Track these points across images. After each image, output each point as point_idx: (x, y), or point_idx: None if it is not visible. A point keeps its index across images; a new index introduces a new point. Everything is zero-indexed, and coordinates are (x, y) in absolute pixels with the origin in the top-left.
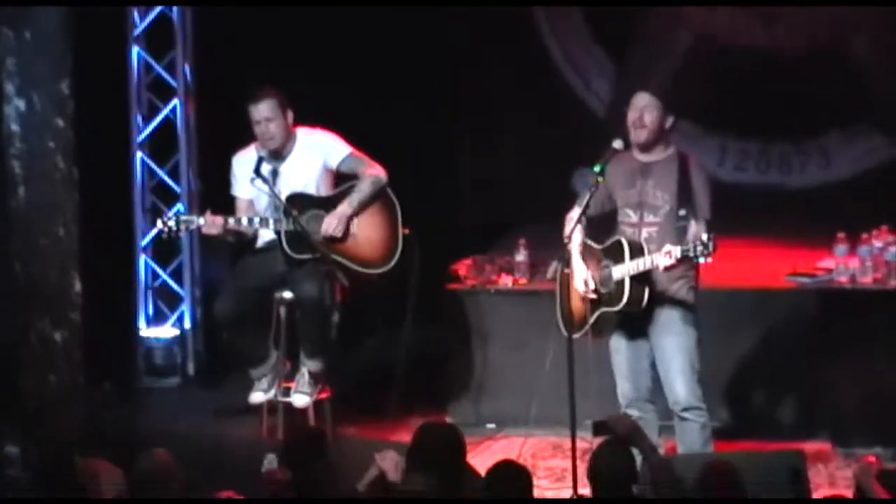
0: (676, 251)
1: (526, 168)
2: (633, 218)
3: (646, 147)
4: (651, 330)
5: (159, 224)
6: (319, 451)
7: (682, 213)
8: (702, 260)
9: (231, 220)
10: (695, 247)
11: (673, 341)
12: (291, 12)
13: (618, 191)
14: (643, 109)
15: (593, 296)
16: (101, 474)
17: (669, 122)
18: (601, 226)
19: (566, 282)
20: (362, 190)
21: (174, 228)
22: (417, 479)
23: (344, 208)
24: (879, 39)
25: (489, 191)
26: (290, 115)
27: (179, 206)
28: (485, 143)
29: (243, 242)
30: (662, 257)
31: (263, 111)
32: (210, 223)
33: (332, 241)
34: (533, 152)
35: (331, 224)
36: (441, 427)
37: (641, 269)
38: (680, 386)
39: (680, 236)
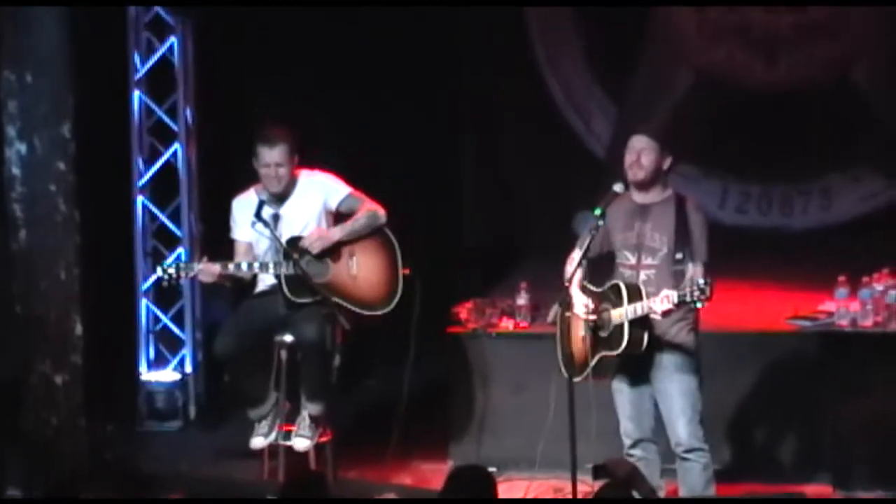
0: (673, 296)
1: (527, 210)
2: (631, 260)
3: (643, 186)
4: (652, 373)
5: (159, 272)
6: (319, 492)
7: (679, 256)
8: (699, 305)
9: (230, 267)
10: (691, 291)
11: (674, 384)
12: (291, 55)
13: (616, 233)
14: (640, 152)
15: (594, 317)
16: None
17: (667, 163)
18: (598, 267)
19: (567, 325)
20: (356, 220)
21: (174, 276)
22: None
23: (332, 231)
24: (881, 75)
25: (489, 232)
26: (297, 158)
27: (181, 251)
28: (484, 184)
29: (243, 286)
30: (659, 303)
31: (276, 156)
32: (206, 271)
33: (332, 282)
34: (534, 194)
35: (311, 237)
36: (475, 471)
37: (640, 313)
38: (682, 428)
39: (677, 280)
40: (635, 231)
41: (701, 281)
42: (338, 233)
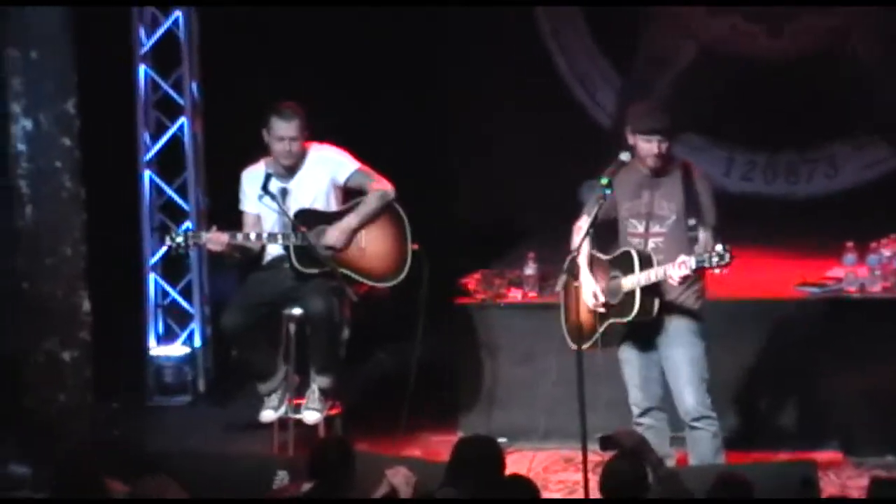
0: (691, 262)
1: (534, 180)
2: (640, 229)
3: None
4: (659, 340)
5: (167, 241)
6: (347, 459)
7: (692, 222)
8: (717, 271)
9: (239, 236)
10: (710, 257)
11: (682, 352)
12: (295, 27)
13: (623, 202)
14: (659, 143)
15: (602, 310)
16: (109, 492)
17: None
18: (603, 235)
19: (574, 293)
20: (369, 203)
21: (182, 245)
22: (451, 492)
23: (349, 220)
24: (883, 44)
25: (496, 203)
26: (307, 133)
27: (188, 224)
28: (491, 156)
29: (250, 258)
30: (676, 268)
31: (292, 130)
32: (214, 240)
33: (340, 255)
34: (540, 165)
35: (333, 235)
36: (482, 440)
37: (653, 279)
38: (689, 396)
39: (691, 246)
40: (644, 199)
41: (720, 246)
42: (354, 220)
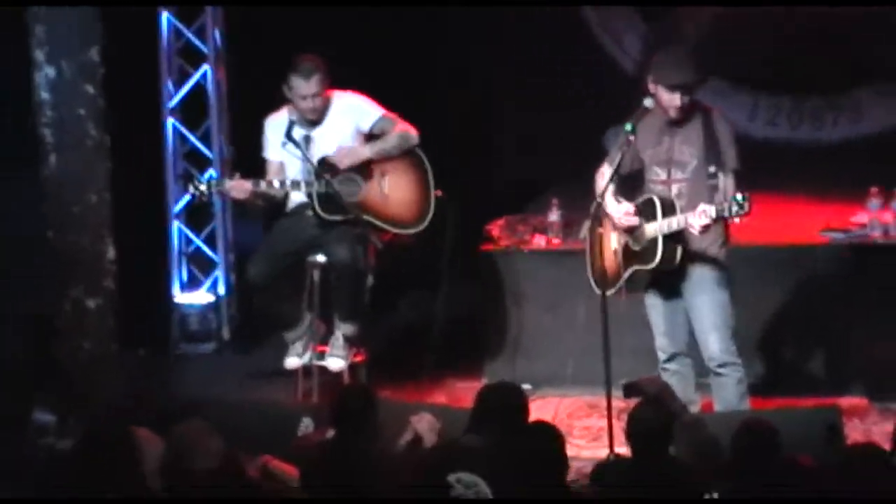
0: (711, 211)
1: (557, 127)
2: (662, 175)
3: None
4: (684, 287)
5: (190, 189)
6: (370, 407)
7: (712, 169)
8: (737, 220)
9: (262, 184)
10: (730, 206)
11: (706, 299)
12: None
13: (646, 149)
14: (682, 97)
15: (634, 221)
16: (142, 442)
17: (697, 91)
18: (628, 185)
19: (599, 239)
20: (387, 140)
21: (206, 193)
22: (480, 438)
23: (362, 149)
24: None
25: (521, 150)
26: (329, 82)
27: (211, 172)
28: (516, 102)
29: (274, 206)
30: (697, 217)
31: (313, 87)
32: (237, 188)
33: (363, 201)
34: (564, 111)
35: (340, 153)
36: (506, 387)
37: (675, 227)
38: (714, 342)
39: (711, 193)
40: (664, 146)
41: (739, 196)
42: (367, 150)
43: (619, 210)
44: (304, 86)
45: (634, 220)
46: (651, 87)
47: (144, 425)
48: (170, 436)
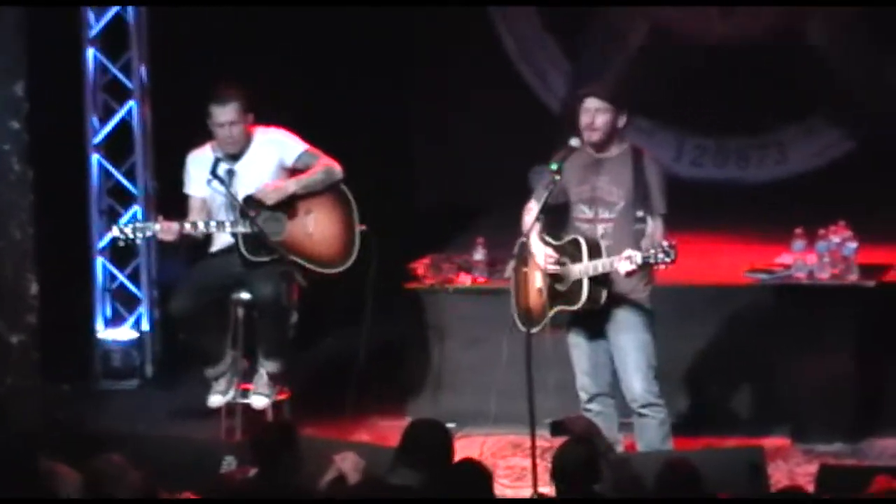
0: (637, 257)
1: (484, 165)
2: (588, 214)
3: (600, 147)
4: (608, 328)
5: (115, 232)
6: (289, 442)
7: (640, 214)
8: (663, 267)
9: (187, 225)
10: (656, 253)
11: (630, 338)
12: (244, 10)
13: (572, 186)
14: (595, 113)
15: (558, 268)
16: (58, 476)
17: (622, 121)
18: (553, 219)
19: (524, 277)
20: (312, 175)
21: (130, 237)
22: (407, 474)
23: (288, 183)
24: (835, 29)
25: (445, 188)
26: (251, 117)
27: (136, 209)
28: (440, 139)
29: (197, 243)
30: (623, 262)
31: (229, 114)
32: (165, 229)
33: (288, 240)
34: (490, 149)
35: (266, 188)
36: (432, 425)
37: (600, 270)
38: (637, 383)
39: (638, 237)
40: (590, 185)
41: (665, 243)
42: (293, 185)
43: (542, 253)
44: (220, 112)
45: (556, 268)
46: (576, 114)
47: (61, 457)
48: (87, 469)
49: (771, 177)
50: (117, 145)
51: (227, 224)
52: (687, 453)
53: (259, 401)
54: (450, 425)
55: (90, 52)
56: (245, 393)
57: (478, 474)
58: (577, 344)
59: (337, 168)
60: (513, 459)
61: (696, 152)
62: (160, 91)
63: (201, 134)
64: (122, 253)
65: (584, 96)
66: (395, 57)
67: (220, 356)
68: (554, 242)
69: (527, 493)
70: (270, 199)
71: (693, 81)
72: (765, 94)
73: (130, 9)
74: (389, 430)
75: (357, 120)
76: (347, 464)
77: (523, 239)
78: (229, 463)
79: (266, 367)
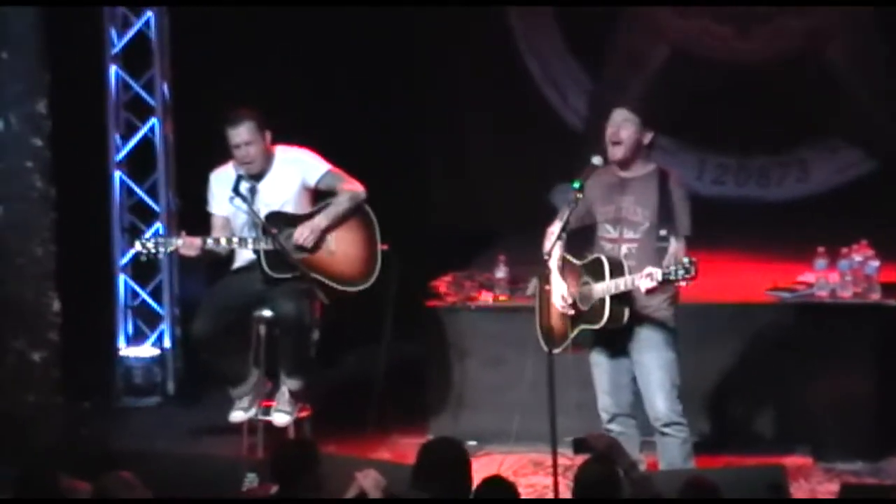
0: (657, 274)
1: (505, 183)
2: (613, 233)
3: (624, 164)
4: (631, 346)
5: (137, 246)
6: (310, 462)
7: (663, 233)
8: (683, 283)
9: (209, 241)
10: (676, 270)
11: (653, 357)
12: (268, 27)
13: (597, 206)
14: (620, 125)
15: (571, 311)
16: (78, 494)
17: (648, 138)
18: (580, 239)
19: (546, 297)
20: (339, 203)
21: (152, 251)
22: (424, 493)
23: (319, 220)
24: (855, 47)
25: (468, 206)
26: (269, 135)
27: (158, 226)
28: (464, 158)
29: (220, 261)
30: (644, 279)
31: (243, 135)
32: (188, 245)
33: (310, 259)
34: (512, 168)
35: (302, 233)
36: (448, 443)
37: (622, 289)
38: (660, 402)
39: (660, 255)
40: (615, 205)
41: (686, 259)
42: (324, 220)
43: (558, 290)
44: (233, 134)
45: (570, 311)
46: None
47: (82, 475)
48: (96, 485)
49: (792, 195)
50: (139, 162)
51: (250, 241)
52: (708, 471)
53: (281, 418)
54: (471, 443)
55: (112, 70)
56: (267, 410)
57: (506, 491)
58: (599, 363)
59: (360, 189)
60: (534, 478)
61: (717, 171)
62: (182, 108)
63: (223, 151)
64: (143, 270)
65: (609, 108)
66: (419, 76)
67: (244, 376)
68: (576, 262)
69: None
70: (310, 242)
71: (715, 101)
72: (786, 112)
73: (153, 26)
74: (410, 448)
75: (379, 138)
76: (369, 481)
77: (546, 259)
78: (251, 480)
79: (288, 385)
